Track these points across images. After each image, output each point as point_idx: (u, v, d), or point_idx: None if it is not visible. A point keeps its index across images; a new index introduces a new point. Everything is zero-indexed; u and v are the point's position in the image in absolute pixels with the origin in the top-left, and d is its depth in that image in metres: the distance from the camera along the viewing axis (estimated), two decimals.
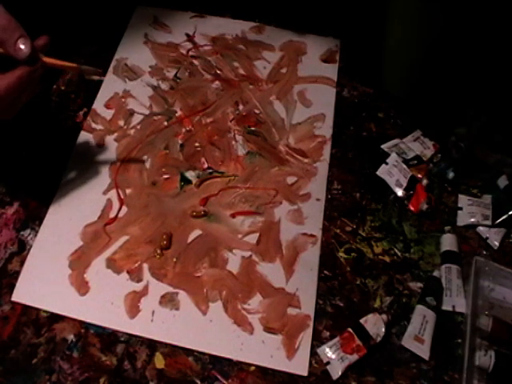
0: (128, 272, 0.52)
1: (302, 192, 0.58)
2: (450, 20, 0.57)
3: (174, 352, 0.49)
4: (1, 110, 0.47)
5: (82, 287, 0.51)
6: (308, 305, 0.51)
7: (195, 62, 0.68)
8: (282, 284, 0.52)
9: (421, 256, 0.55)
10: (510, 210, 0.56)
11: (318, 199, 0.58)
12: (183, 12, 0.72)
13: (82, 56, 0.68)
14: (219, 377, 0.48)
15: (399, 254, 0.55)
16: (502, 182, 0.59)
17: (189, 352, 0.49)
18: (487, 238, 0.56)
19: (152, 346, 0.49)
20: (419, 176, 0.58)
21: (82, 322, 0.50)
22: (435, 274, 0.53)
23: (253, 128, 0.63)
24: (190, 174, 0.59)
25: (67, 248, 0.53)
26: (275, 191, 0.58)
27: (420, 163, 0.60)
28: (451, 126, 0.63)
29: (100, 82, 0.65)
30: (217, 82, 0.66)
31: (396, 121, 0.64)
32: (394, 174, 0.59)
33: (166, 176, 0.59)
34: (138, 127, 0.62)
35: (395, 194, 0.58)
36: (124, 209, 0.56)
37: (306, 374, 0.48)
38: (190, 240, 0.54)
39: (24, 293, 0.51)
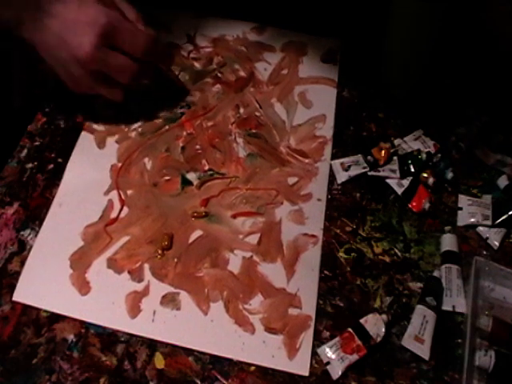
0: (129, 272, 0.52)
1: (302, 192, 0.58)
2: (450, 20, 0.57)
3: (173, 352, 0.49)
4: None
5: (84, 287, 0.51)
6: (309, 305, 0.51)
7: (196, 64, 0.68)
8: (283, 284, 0.52)
9: (421, 256, 0.55)
10: (510, 210, 0.56)
11: (319, 199, 0.58)
12: (184, 13, 0.72)
13: None
14: (219, 377, 0.48)
15: (399, 254, 0.55)
16: (502, 181, 0.59)
17: (189, 352, 0.49)
18: (487, 238, 0.56)
19: (152, 346, 0.49)
20: (425, 175, 0.58)
21: (82, 322, 0.50)
22: (435, 274, 0.53)
23: (254, 131, 0.63)
24: (191, 176, 0.59)
25: (68, 248, 0.53)
26: (276, 192, 0.58)
27: None
28: (451, 125, 0.63)
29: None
30: (217, 86, 0.66)
31: (396, 121, 0.64)
32: None
33: (166, 178, 0.59)
34: (139, 130, 0.62)
35: (395, 193, 0.58)
36: (125, 209, 0.56)
37: (307, 374, 0.48)
38: (191, 240, 0.55)
39: (25, 293, 0.51)
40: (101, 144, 0.60)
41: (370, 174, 0.59)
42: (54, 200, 0.56)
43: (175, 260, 0.53)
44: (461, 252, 0.55)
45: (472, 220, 0.56)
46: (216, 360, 0.49)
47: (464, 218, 0.57)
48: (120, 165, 0.59)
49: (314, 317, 0.51)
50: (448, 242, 0.55)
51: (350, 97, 0.66)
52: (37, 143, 0.60)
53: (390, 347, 0.50)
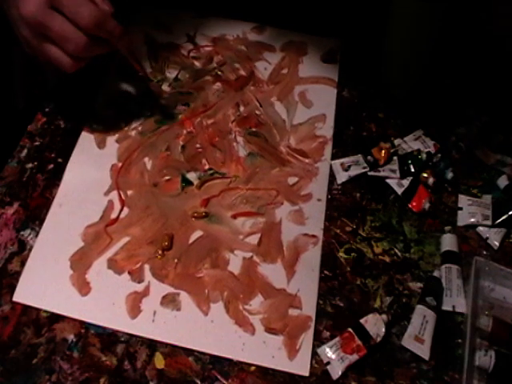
0: (129, 273, 0.52)
1: (303, 192, 0.58)
2: (450, 20, 0.57)
3: (173, 352, 0.49)
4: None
5: (84, 288, 0.51)
6: (309, 305, 0.51)
7: (196, 63, 0.68)
8: (283, 285, 0.52)
9: (421, 256, 0.55)
10: (510, 210, 0.56)
11: (319, 199, 0.58)
12: (184, 13, 0.72)
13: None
14: (219, 377, 0.48)
15: (399, 254, 0.55)
16: (502, 181, 0.59)
17: (189, 352, 0.49)
18: (487, 238, 0.56)
19: (152, 346, 0.49)
20: (425, 175, 0.58)
21: (82, 322, 0.50)
22: (435, 274, 0.53)
23: (254, 129, 0.63)
24: (191, 176, 0.59)
25: (68, 249, 0.53)
26: (276, 192, 0.58)
27: None
28: (451, 125, 0.63)
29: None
30: (218, 84, 0.66)
31: (396, 121, 0.64)
32: None
33: (167, 177, 0.59)
34: (139, 129, 0.62)
35: (395, 193, 0.58)
36: (125, 210, 0.56)
37: (307, 374, 0.48)
38: (191, 241, 0.55)
39: (25, 293, 0.51)
40: (101, 144, 0.60)
41: (369, 174, 0.59)
42: (54, 200, 0.56)
43: (175, 260, 0.53)
44: (461, 252, 0.55)
45: (472, 220, 0.57)
46: (216, 360, 0.49)
47: (464, 218, 0.57)
48: (120, 165, 0.59)
49: (314, 317, 0.51)
50: (448, 242, 0.55)
51: (350, 97, 0.66)
52: (37, 143, 0.60)
53: (390, 347, 0.50)
